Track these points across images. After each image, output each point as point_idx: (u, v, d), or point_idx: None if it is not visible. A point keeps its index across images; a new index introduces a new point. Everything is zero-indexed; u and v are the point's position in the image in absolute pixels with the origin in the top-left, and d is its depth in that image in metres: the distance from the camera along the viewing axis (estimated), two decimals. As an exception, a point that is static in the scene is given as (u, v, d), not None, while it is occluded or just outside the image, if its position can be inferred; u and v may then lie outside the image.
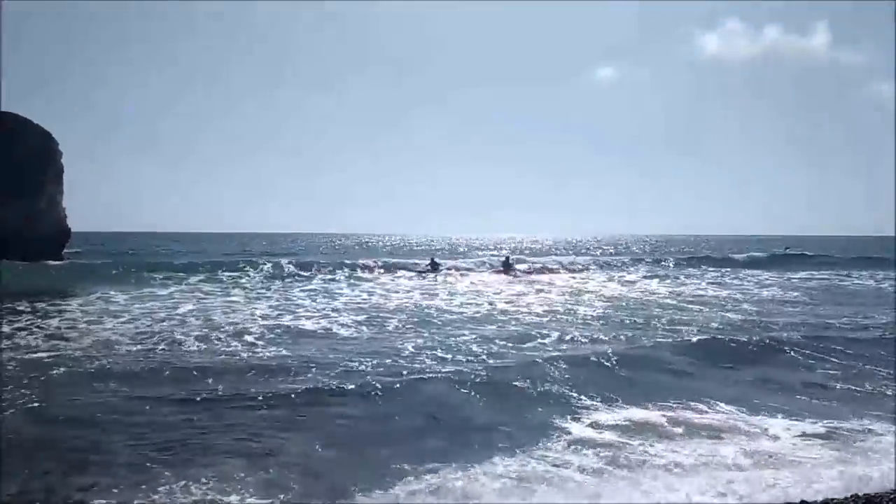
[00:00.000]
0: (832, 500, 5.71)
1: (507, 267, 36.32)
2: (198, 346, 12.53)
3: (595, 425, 7.89)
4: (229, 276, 28.98)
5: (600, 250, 70.77)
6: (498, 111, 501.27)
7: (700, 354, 12.06)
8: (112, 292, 21.72)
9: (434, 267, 36.00)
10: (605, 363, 11.05)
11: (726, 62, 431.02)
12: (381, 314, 17.44)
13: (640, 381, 10.16)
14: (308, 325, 15.46)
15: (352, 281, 29.06)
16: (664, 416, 8.28)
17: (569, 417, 8.22)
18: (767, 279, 32.93)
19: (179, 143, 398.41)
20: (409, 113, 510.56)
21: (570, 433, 7.58)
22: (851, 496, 5.77)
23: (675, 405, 8.78)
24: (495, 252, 64.74)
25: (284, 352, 12.11)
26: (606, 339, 13.71)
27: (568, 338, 13.64)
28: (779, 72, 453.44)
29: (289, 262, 34.10)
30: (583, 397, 9.17)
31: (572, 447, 7.07)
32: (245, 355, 11.77)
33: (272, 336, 13.72)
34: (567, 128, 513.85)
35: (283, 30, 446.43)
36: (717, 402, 8.96)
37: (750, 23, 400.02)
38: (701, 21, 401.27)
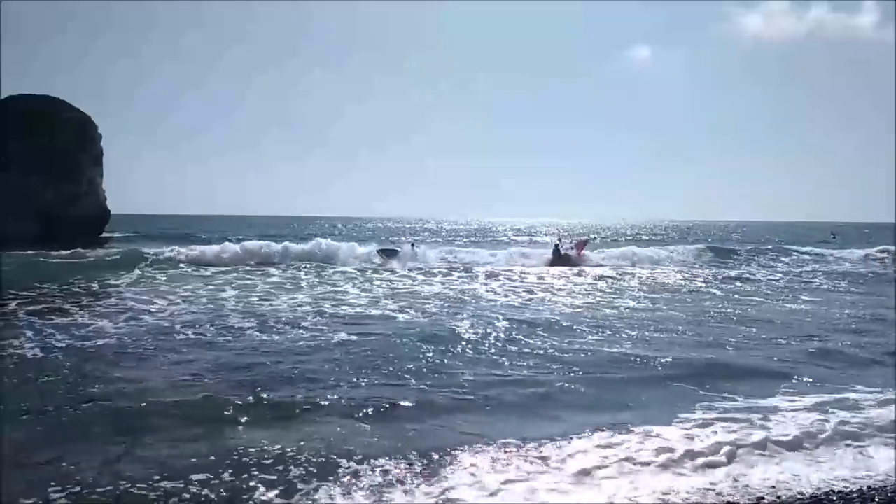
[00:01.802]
0: (841, 491, 5.53)
1: (558, 257, 29.39)
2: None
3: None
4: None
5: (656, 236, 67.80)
6: (526, 96, 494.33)
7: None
8: (158, 275, 21.69)
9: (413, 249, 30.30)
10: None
11: (769, 42, 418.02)
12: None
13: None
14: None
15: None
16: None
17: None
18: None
19: (209, 131, 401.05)
20: (439, 101, 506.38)
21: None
22: (858, 489, 5.58)
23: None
24: (537, 237, 62.62)
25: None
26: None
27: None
28: (824, 52, 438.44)
29: None
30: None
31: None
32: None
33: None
34: (598, 112, 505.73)
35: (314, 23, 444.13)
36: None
37: (794, 1, 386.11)
38: (742, 1, 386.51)
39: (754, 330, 13.51)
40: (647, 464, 6.06)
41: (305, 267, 25.29)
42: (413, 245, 31.82)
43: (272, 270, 23.77)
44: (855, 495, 5.49)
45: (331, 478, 5.71)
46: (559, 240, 33.88)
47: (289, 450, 6.27)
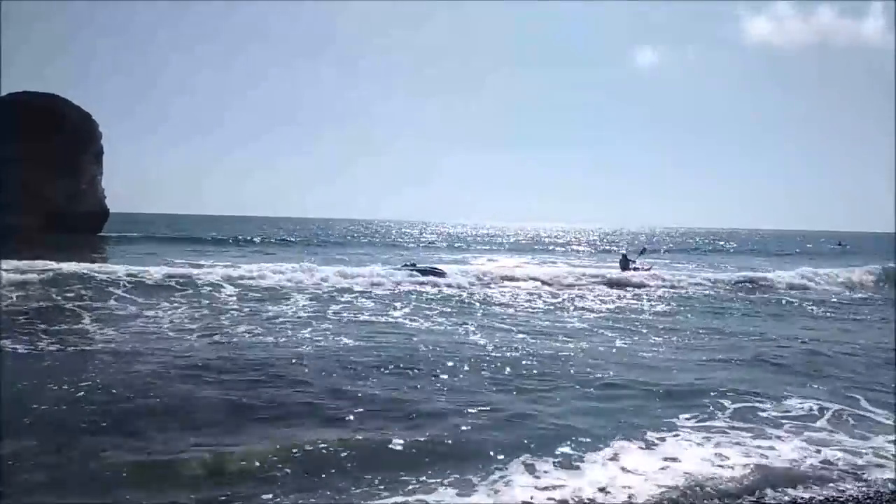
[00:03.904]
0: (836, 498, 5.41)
1: (625, 268, 25.56)
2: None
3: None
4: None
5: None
6: (529, 98, 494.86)
7: None
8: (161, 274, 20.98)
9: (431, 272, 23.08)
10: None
11: (775, 46, 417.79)
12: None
13: None
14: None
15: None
16: None
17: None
18: None
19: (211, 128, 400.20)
20: (439, 99, 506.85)
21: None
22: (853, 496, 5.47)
23: None
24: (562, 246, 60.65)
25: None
26: None
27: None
28: (830, 56, 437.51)
29: None
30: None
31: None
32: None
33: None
34: (601, 115, 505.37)
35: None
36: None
37: (801, 5, 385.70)
38: (749, 3, 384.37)
39: None
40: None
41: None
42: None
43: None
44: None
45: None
46: (626, 250, 31.39)
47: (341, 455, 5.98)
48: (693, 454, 6.39)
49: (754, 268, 31.18)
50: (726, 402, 8.15)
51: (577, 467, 5.98)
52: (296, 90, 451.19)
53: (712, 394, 8.50)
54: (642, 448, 6.52)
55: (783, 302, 20.06)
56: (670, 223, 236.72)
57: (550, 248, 57.39)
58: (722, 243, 75.86)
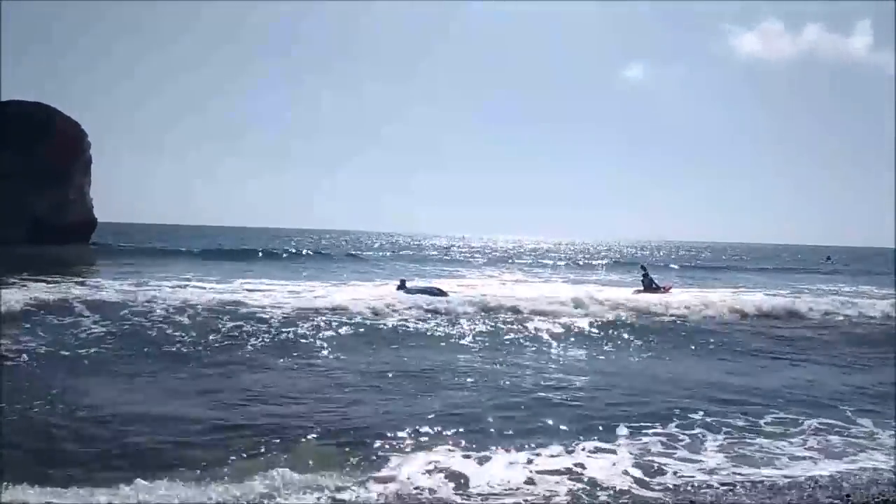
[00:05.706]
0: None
1: (649, 286, 24.29)
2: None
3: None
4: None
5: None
6: (517, 112, 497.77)
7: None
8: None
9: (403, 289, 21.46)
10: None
11: (764, 62, 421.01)
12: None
13: None
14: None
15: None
16: None
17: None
18: None
19: (186, 136, 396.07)
20: (427, 112, 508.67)
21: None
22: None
23: None
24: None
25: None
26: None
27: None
28: (819, 73, 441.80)
29: None
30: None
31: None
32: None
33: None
34: (590, 130, 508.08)
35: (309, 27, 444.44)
36: None
37: (789, 22, 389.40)
38: (737, 19, 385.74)
39: None
40: None
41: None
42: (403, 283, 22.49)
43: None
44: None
45: None
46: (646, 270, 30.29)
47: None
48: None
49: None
50: None
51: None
52: (291, 93, 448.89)
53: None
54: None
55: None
56: (657, 237, 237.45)
57: (556, 262, 54.81)
58: (724, 258, 74.98)
